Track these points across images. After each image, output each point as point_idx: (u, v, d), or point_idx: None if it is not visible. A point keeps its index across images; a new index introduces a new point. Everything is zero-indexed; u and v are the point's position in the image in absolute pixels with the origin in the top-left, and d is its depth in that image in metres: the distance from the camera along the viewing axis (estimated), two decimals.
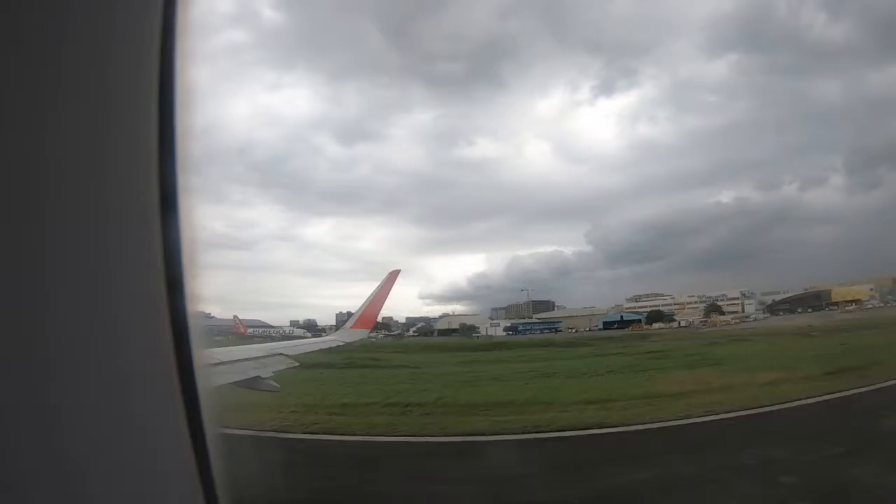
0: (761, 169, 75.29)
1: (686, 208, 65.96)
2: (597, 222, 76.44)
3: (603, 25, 68.70)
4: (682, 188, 73.47)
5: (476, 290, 67.58)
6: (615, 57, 75.53)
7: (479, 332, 54.25)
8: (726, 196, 79.14)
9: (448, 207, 72.80)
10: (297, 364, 9.47)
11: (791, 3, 65.71)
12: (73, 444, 1.21)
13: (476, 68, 73.63)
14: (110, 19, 1.25)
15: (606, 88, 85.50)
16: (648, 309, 54.91)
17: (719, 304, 52.77)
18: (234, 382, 7.92)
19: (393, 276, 13.51)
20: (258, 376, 8.34)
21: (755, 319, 48.49)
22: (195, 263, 1.43)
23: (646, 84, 76.93)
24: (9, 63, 1.13)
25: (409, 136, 70.30)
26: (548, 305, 60.46)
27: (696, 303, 53.63)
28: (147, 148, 1.31)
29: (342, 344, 12.07)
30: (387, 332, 51.34)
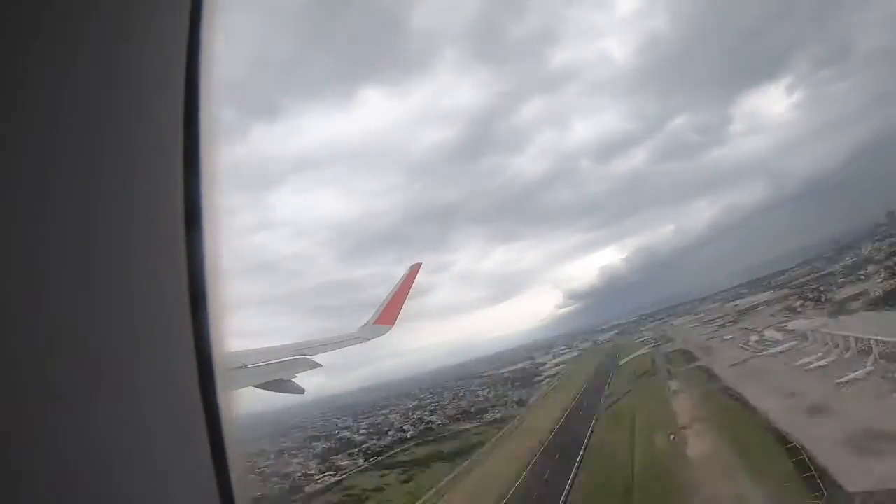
0: None
1: None
2: None
3: None
4: None
5: None
6: None
7: None
8: None
9: None
10: (321, 365, 9.35)
11: None
12: (95, 449, 1.21)
13: None
14: (140, 35, 1.27)
15: None
16: None
17: None
18: (259, 385, 7.85)
19: (415, 269, 13.34)
20: (282, 379, 8.26)
21: None
22: (219, 276, 1.43)
23: None
24: (37, 83, 1.12)
25: None
26: None
27: None
28: (172, 163, 1.33)
29: (365, 341, 11.92)
30: None
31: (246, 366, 7.89)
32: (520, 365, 71.54)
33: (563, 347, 76.29)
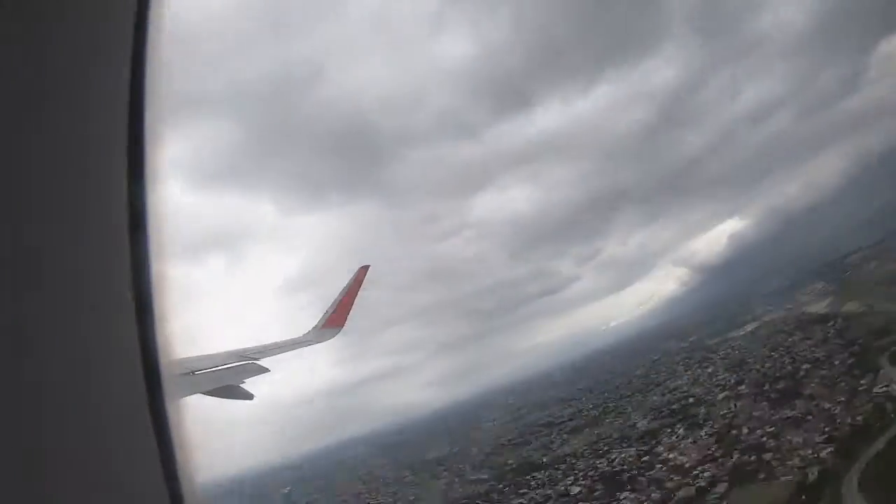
0: None
1: None
2: None
3: None
4: None
5: None
6: None
7: None
8: None
9: None
10: (268, 370, 9.29)
11: None
12: (37, 460, 1.18)
13: None
14: (83, 33, 1.25)
15: None
16: None
17: None
18: (208, 392, 7.77)
19: (362, 271, 13.34)
20: (231, 385, 8.19)
21: None
22: (164, 281, 1.42)
23: None
24: None
25: None
26: None
27: None
28: (117, 167, 1.31)
29: (315, 344, 11.87)
30: None
31: (193, 372, 7.78)
32: None
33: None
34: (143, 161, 1.36)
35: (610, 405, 53.94)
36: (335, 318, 12.55)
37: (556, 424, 54.30)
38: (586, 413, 54.26)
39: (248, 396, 8.55)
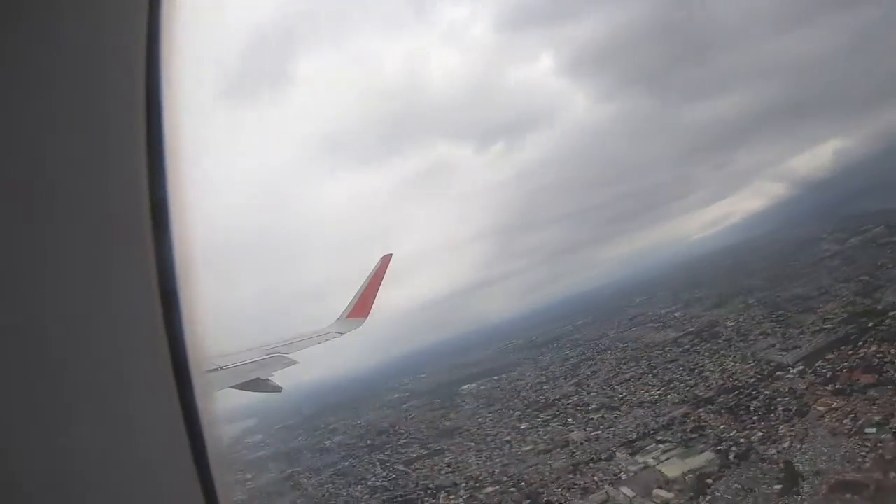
0: None
1: None
2: None
3: None
4: None
5: None
6: None
7: None
8: None
9: None
10: (297, 362, 9.35)
11: None
12: (70, 459, 1.19)
13: None
14: (99, 30, 1.24)
15: None
16: None
17: None
18: (236, 386, 7.83)
19: (385, 261, 13.29)
20: (259, 378, 8.25)
21: None
22: (190, 276, 1.41)
23: None
24: None
25: None
26: None
27: None
28: (137, 161, 1.30)
29: (339, 335, 11.89)
30: None
31: (221, 367, 7.85)
32: None
33: None
34: (163, 154, 1.35)
35: None
36: (359, 309, 12.56)
37: None
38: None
39: (277, 389, 8.62)
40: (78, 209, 1.22)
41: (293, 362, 9.29)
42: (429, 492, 33.79)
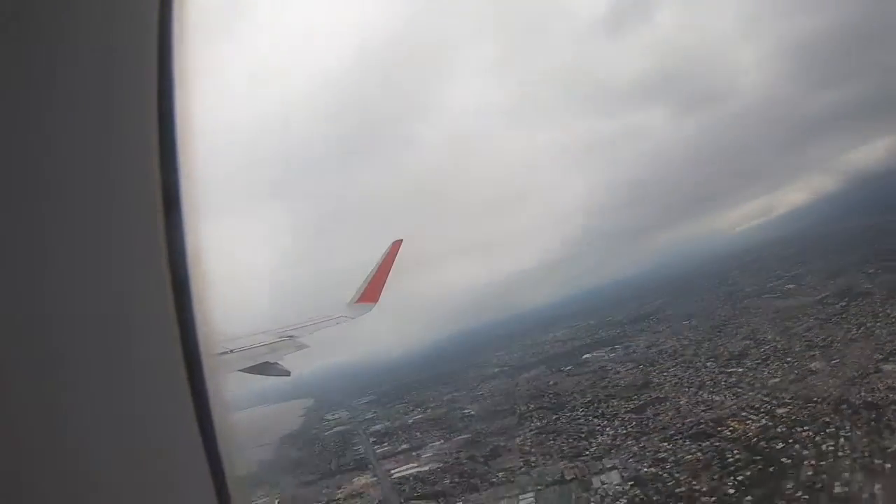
0: None
1: None
2: None
3: None
4: None
5: None
6: None
7: None
8: None
9: None
10: (307, 346, 9.35)
11: None
12: (82, 447, 1.20)
13: None
14: (110, 22, 1.24)
15: None
16: None
17: None
18: (245, 370, 7.84)
19: (395, 246, 13.23)
20: (267, 362, 8.25)
21: None
22: (201, 263, 1.42)
23: None
24: (9, 66, 1.11)
25: None
26: None
27: None
28: (148, 150, 1.30)
29: (349, 320, 11.87)
30: None
31: (231, 350, 7.86)
32: None
33: None
34: (174, 136, 1.35)
35: None
36: (369, 294, 12.54)
37: None
38: None
39: (285, 373, 8.63)
40: (89, 194, 1.22)
41: (303, 346, 9.30)
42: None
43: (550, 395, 43.20)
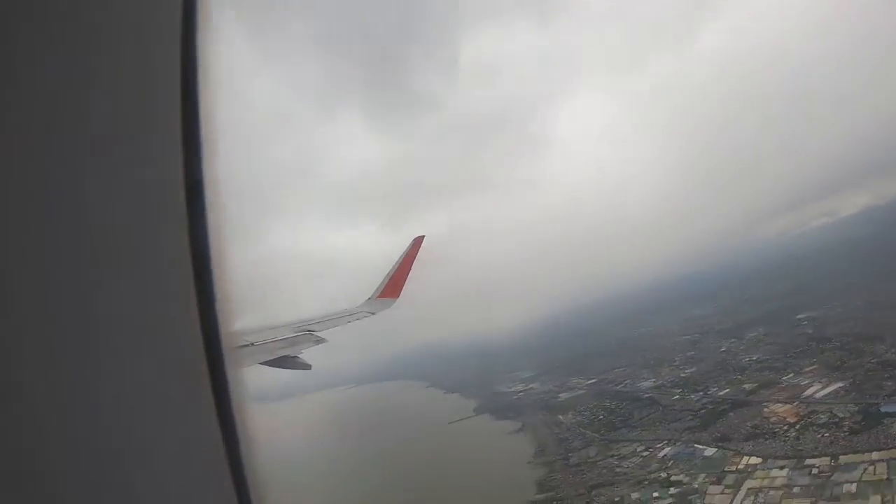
0: None
1: None
2: None
3: None
4: None
5: None
6: None
7: None
8: None
9: None
10: (326, 340, 9.36)
11: None
12: (102, 436, 1.20)
13: None
14: (133, 13, 1.24)
15: None
16: None
17: None
18: (266, 363, 7.86)
19: (417, 241, 13.20)
20: (288, 355, 8.26)
21: None
22: (223, 255, 1.41)
23: None
24: (32, 58, 1.10)
25: None
26: None
27: None
28: (173, 145, 1.30)
29: (370, 315, 11.86)
30: None
31: (252, 343, 7.89)
32: None
33: None
34: (198, 127, 1.35)
35: None
36: (390, 289, 12.54)
37: None
38: None
39: (306, 367, 8.63)
40: (113, 190, 1.22)
41: (322, 340, 9.32)
42: None
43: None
